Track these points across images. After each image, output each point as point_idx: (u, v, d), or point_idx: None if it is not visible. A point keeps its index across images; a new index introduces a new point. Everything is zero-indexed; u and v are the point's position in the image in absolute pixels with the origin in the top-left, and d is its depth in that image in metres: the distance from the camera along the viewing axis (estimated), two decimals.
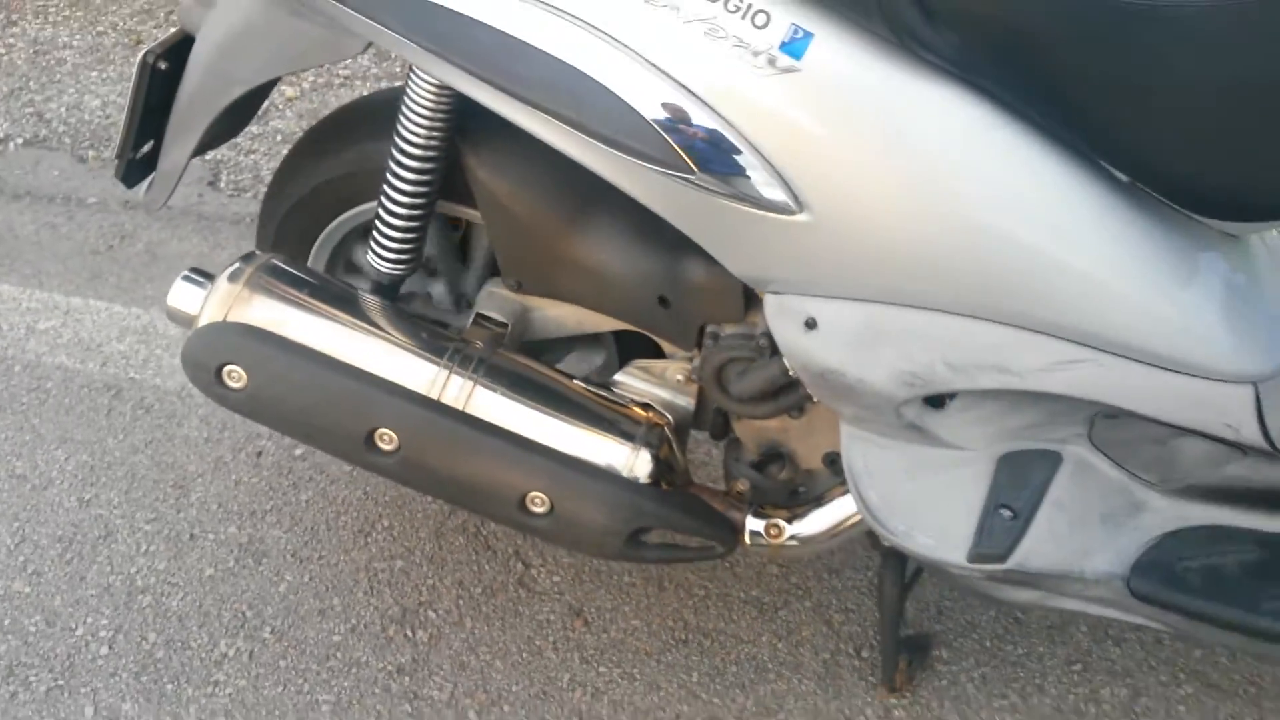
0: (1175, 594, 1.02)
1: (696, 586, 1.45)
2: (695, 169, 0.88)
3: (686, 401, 1.18)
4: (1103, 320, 0.91)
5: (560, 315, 1.22)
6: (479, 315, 1.22)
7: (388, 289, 1.22)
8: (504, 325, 1.20)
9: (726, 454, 1.22)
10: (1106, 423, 1.02)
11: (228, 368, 1.08)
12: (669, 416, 1.15)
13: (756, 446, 1.18)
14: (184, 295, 1.14)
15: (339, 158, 1.24)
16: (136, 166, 1.27)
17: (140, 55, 1.17)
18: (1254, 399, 0.97)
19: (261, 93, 1.28)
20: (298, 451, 1.60)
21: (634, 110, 0.88)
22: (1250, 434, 0.98)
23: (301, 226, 1.31)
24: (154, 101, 1.21)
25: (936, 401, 1.01)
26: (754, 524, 1.14)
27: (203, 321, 1.12)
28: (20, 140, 2.29)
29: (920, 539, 0.99)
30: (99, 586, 1.43)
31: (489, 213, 1.14)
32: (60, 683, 1.33)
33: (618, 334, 1.27)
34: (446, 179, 1.15)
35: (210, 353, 1.09)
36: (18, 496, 1.54)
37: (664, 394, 1.18)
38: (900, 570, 1.21)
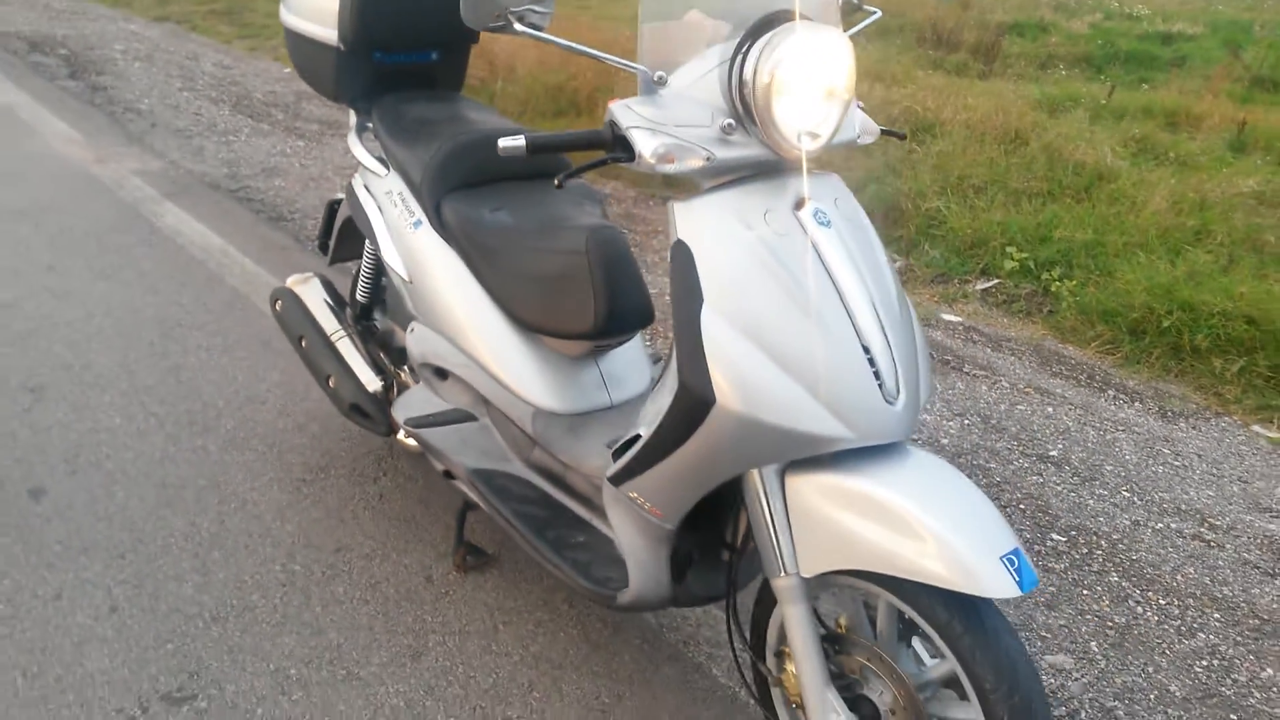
0: (488, 490, 2.32)
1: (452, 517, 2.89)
2: (380, 251, 2.52)
3: None
4: (480, 353, 2.35)
5: None
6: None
7: (364, 310, 2.93)
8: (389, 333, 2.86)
9: None
10: (496, 410, 2.41)
11: (277, 301, 2.88)
12: (406, 379, 2.70)
13: None
14: (290, 278, 2.97)
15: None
16: (324, 247, 3.17)
17: (328, 201, 3.08)
18: (532, 414, 2.32)
19: None
20: None
21: (372, 225, 2.55)
22: (529, 430, 2.34)
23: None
24: (331, 220, 3.09)
25: (443, 375, 2.48)
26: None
27: (285, 284, 2.93)
28: None
29: (400, 413, 2.45)
30: (245, 348, 3.26)
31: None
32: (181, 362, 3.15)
33: None
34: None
35: (275, 294, 2.89)
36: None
37: None
38: (467, 501, 2.59)
